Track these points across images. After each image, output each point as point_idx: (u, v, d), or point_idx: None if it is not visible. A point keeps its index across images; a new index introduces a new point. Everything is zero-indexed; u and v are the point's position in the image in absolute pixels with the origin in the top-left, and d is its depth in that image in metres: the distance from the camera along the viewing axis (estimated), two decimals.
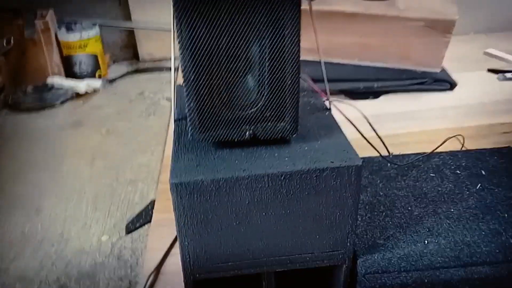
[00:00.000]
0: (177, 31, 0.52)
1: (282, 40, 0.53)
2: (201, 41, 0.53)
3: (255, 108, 0.58)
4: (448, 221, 0.73)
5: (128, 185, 1.25)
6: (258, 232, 0.61)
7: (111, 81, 1.94)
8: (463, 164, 0.88)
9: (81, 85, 1.79)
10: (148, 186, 1.23)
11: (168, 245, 0.96)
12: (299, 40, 0.53)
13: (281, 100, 0.58)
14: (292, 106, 0.58)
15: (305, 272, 0.72)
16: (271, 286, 0.71)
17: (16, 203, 1.19)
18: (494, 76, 1.59)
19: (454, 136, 0.98)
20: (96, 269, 0.96)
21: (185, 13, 0.51)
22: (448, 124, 1.29)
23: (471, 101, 1.42)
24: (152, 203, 1.14)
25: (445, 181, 0.83)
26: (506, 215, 0.73)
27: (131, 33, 2.13)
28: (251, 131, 0.60)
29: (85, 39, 1.87)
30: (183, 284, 0.84)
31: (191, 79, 0.55)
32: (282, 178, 0.57)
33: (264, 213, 0.59)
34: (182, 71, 0.54)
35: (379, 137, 0.82)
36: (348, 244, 0.64)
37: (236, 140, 0.60)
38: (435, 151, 0.92)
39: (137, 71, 2.06)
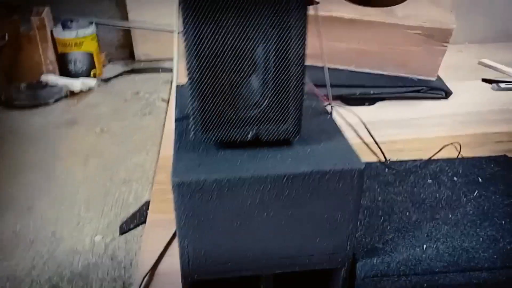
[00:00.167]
0: (183, 31, 0.52)
1: (288, 42, 0.53)
2: (206, 40, 0.52)
3: (259, 109, 0.58)
4: (446, 226, 0.73)
5: (122, 185, 1.23)
6: (259, 234, 0.61)
7: (106, 80, 1.93)
8: (460, 171, 0.88)
9: (76, 83, 1.78)
10: (143, 186, 1.22)
11: (163, 246, 0.95)
12: (305, 43, 0.53)
13: (284, 102, 0.57)
14: (296, 108, 0.58)
15: (303, 275, 0.71)
16: None
17: (7, 203, 1.16)
18: (488, 85, 1.61)
19: (451, 144, 0.99)
20: (89, 270, 0.94)
21: (191, 13, 0.51)
22: (444, 132, 1.30)
23: (466, 110, 1.44)
24: (146, 204, 1.13)
25: (443, 187, 0.84)
26: (503, 221, 0.73)
27: (127, 33, 2.11)
28: (253, 132, 0.59)
29: (81, 37, 1.85)
30: (178, 285, 0.84)
31: (196, 78, 0.54)
32: (285, 179, 0.56)
33: (265, 215, 0.59)
34: (187, 70, 0.54)
35: (377, 143, 0.83)
36: (348, 247, 0.64)
37: (238, 140, 0.59)
38: (432, 158, 0.93)
39: (133, 71, 2.04)
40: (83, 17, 1.96)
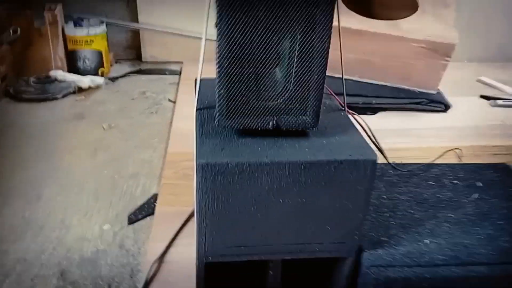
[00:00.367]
0: (217, 19, 0.55)
1: (313, 36, 0.57)
2: (238, 31, 0.56)
3: (281, 100, 0.62)
4: (447, 224, 0.77)
5: (130, 179, 1.26)
6: (274, 219, 0.64)
7: (113, 79, 1.96)
8: (461, 175, 0.93)
9: (85, 80, 1.81)
10: (151, 180, 1.25)
11: (170, 236, 0.98)
12: (329, 38, 0.57)
13: (305, 94, 0.61)
14: (316, 101, 0.62)
15: (309, 264, 0.74)
16: (277, 276, 0.73)
17: (16, 191, 1.18)
18: (486, 102, 1.67)
19: (453, 149, 1.03)
20: (98, 256, 0.97)
21: (226, 4, 0.55)
22: (443, 143, 1.34)
23: (465, 124, 1.49)
24: (154, 196, 1.16)
25: (444, 189, 0.88)
26: (501, 222, 0.77)
27: (136, 35, 2.16)
28: (274, 121, 0.63)
29: (92, 35, 1.89)
30: (185, 272, 0.86)
31: (225, 66, 0.58)
32: (302, 167, 0.60)
33: (281, 200, 0.62)
34: (217, 58, 0.58)
35: (378, 148, 0.86)
36: (356, 237, 0.67)
37: (259, 129, 0.63)
38: (434, 162, 0.97)
39: (140, 71, 2.08)
40: (93, 16, 2.01)
